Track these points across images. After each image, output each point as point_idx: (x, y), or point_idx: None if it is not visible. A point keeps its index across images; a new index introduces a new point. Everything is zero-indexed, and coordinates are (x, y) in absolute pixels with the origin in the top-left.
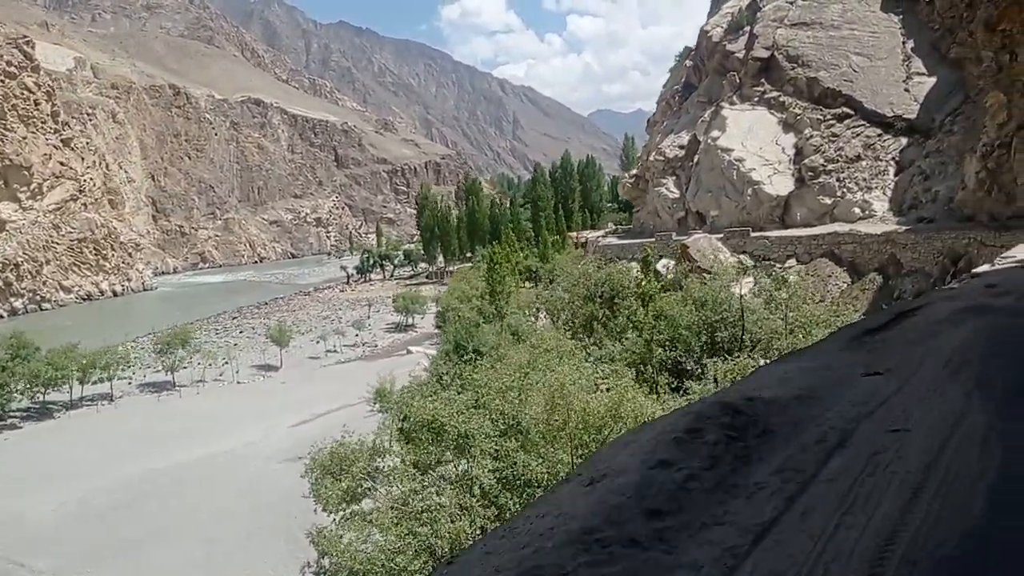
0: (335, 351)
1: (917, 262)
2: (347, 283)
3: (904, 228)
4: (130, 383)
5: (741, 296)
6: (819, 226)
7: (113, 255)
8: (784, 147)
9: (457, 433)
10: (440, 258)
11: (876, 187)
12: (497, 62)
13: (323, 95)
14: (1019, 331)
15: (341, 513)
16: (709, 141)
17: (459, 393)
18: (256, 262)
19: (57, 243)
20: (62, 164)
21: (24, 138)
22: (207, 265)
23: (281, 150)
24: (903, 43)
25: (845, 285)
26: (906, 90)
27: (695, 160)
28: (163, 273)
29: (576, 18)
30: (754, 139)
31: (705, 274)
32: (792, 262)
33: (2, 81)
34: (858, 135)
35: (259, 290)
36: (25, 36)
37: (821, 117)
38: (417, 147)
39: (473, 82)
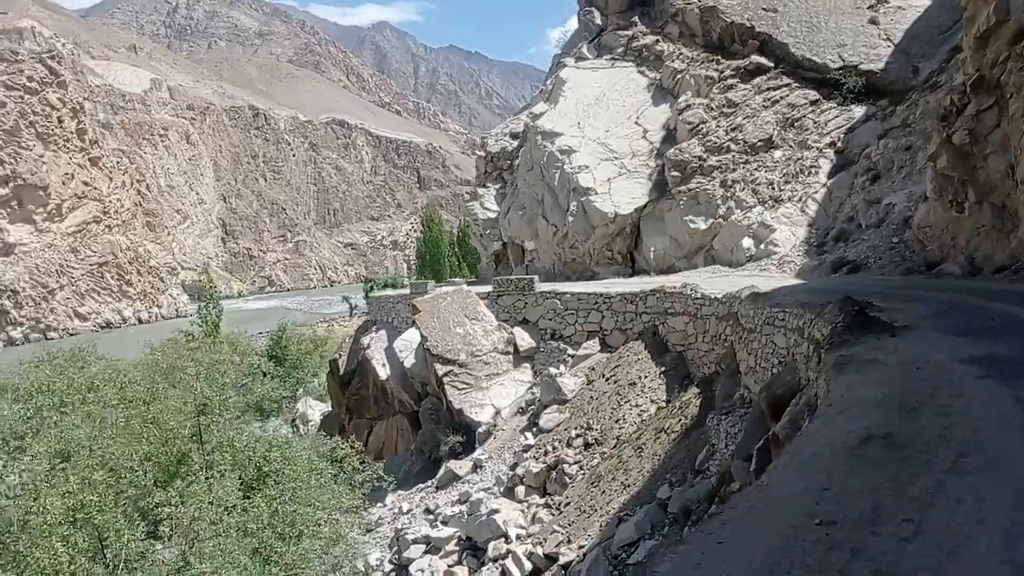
0: None
1: (755, 374)
2: (349, 315)
3: (748, 293)
4: None
5: None
6: (668, 275)
7: (140, 280)
8: (648, 129)
9: None
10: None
11: (793, 197)
12: None
13: (427, 118)
14: None
15: None
16: (530, 122)
17: None
18: (326, 286)
19: (74, 267)
20: (86, 184)
21: (41, 156)
22: (273, 289)
23: (362, 171)
24: None
25: (655, 408)
26: (872, 21)
27: (519, 157)
28: (226, 297)
29: None
30: (602, 116)
31: (438, 364)
32: (593, 346)
33: (21, 97)
34: (774, 103)
35: (274, 320)
36: (51, 51)
37: (715, 73)
38: None
39: None
